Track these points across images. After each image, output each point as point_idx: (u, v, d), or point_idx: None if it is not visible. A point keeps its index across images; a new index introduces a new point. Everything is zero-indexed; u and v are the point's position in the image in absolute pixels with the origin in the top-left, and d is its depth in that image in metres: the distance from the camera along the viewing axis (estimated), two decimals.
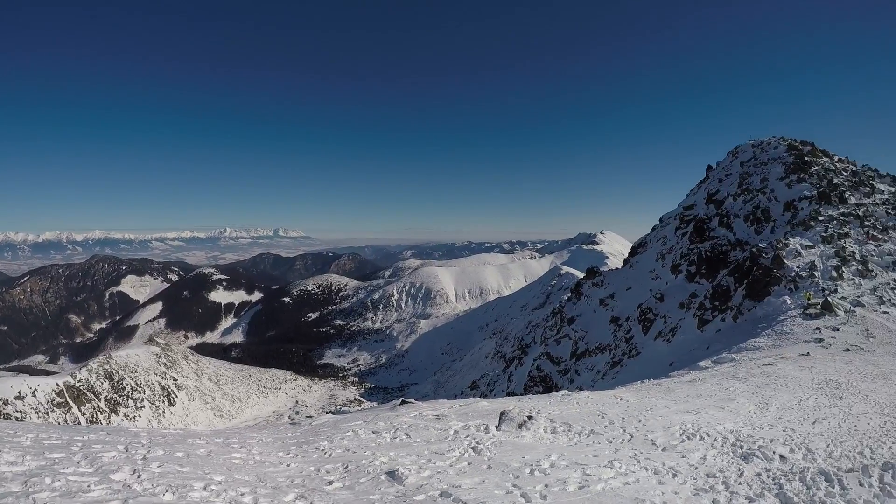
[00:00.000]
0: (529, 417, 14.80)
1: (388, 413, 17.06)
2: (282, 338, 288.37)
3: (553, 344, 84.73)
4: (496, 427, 14.31)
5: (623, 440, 14.42)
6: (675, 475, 11.47)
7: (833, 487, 11.16)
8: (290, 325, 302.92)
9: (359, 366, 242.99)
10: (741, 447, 14.22)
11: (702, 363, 36.82)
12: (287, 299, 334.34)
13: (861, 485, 11.32)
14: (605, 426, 15.89)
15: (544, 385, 75.72)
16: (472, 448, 12.37)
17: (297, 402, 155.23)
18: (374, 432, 14.20)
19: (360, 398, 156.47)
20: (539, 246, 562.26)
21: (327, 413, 24.13)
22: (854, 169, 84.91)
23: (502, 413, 14.95)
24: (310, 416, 33.13)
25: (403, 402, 19.65)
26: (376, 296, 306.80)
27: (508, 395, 68.12)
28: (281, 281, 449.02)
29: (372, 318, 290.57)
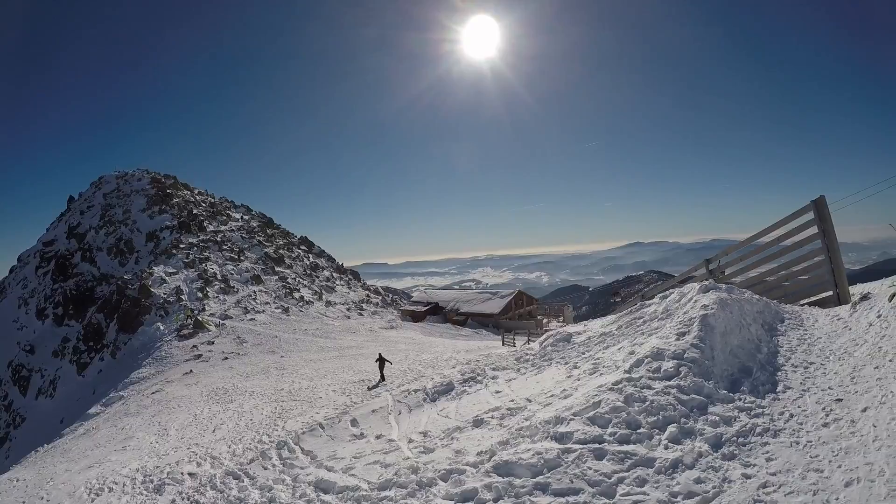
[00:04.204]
0: None
1: None
2: None
3: None
4: None
5: None
6: None
7: (243, 481, 11.24)
8: None
9: None
10: (152, 481, 13.43)
11: (92, 410, 33.19)
12: None
13: (266, 468, 11.65)
14: None
15: None
16: None
17: None
18: None
19: None
20: None
21: None
22: (212, 200, 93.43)
23: None
24: None
25: None
26: None
27: None
28: None
29: None
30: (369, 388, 22.50)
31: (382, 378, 23.84)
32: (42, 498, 14.84)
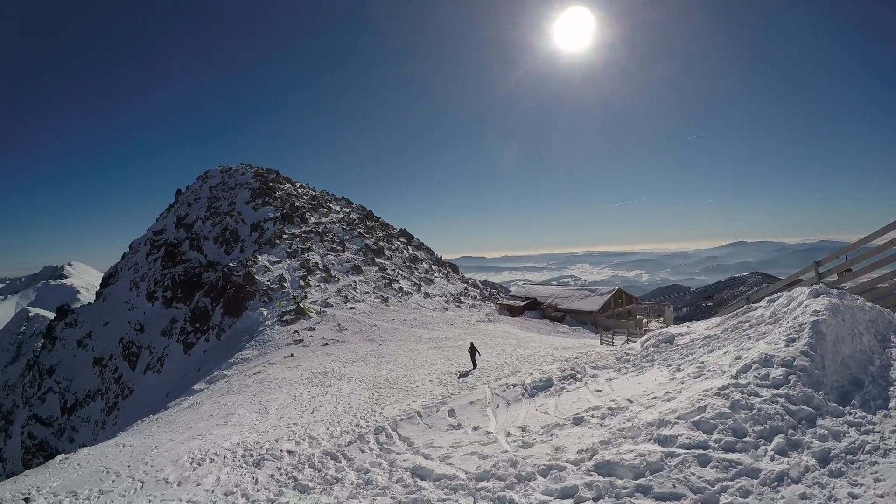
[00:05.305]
0: (27, 500, 13.19)
1: None
2: None
3: (38, 403, 71.25)
4: None
5: (135, 490, 13.54)
6: None
7: (340, 462, 11.48)
8: None
9: None
10: (251, 455, 14.02)
11: (196, 386, 35.06)
12: None
13: (363, 451, 11.92)
14: (114, 481, 14.80)
15: (43, 454, 61.36)
16: None
17: None
18: None
19: None
20: (0, 286, 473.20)
21: None
22: (314, 193, 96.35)
23: None
24: None
25: None
26: None
27: (7, 477, 52.18)
28: None
29: None
30: (460, 376, 22.94)
31: (474, 366, 24.57)
32: (146, 463, 15.74)
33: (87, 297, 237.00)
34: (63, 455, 22.11)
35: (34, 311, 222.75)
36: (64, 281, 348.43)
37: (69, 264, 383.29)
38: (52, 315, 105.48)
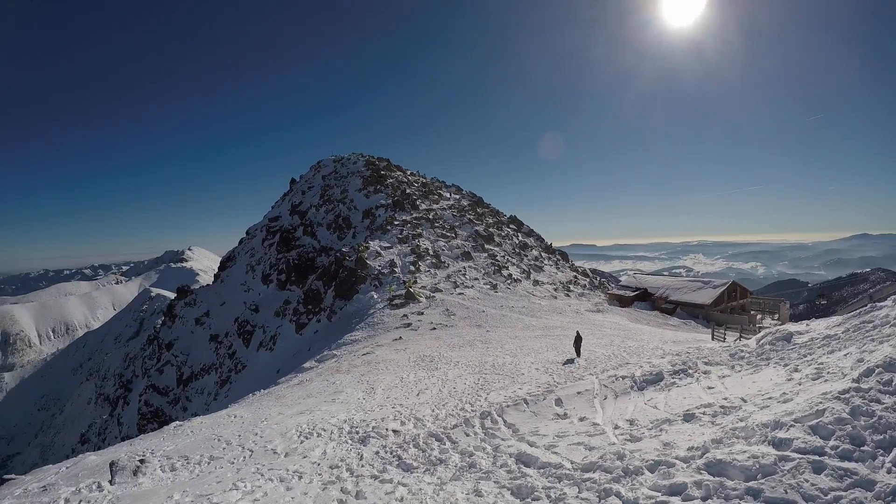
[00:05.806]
0: (142, 461, 13.55)
1: None
2: None
3: (156, 374, 77.03)
4: (110, 481, 12.44)
5: (244, 457, 13.99)
6: (300, 477, 11.18)
7: (445, 444, 11.75)
8: None
9: None
10: (357, 432, 14.36)
11: (306, 364, 36.40)
12: None
13: (467, 435, 12.08)
14: (224, 448, 15.41)
15: (158, 420, 66.51)
16: None
17: None
18: None
19: None
20: (125, 268, 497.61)
21: None
22: (424, 181, 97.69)
23: (112, 464, 13.17)
24: None
25: (3, 481, 16.63)
26: None
27: (123, 440, 57.95)
28: None
29: None
30: (564, 363, 22.77)
31: (578, 355, 24.41)
32: (256, 434, 16.41)
33: (206, 279, 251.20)
34: (177, 422, 23.62)
35: (156, 291, 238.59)
36: (184, 264, 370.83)
37: (189, 249, 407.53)
38: (172, 295, 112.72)
